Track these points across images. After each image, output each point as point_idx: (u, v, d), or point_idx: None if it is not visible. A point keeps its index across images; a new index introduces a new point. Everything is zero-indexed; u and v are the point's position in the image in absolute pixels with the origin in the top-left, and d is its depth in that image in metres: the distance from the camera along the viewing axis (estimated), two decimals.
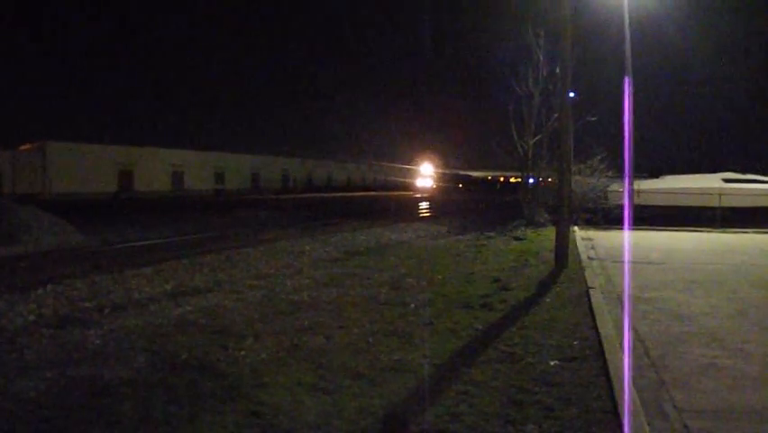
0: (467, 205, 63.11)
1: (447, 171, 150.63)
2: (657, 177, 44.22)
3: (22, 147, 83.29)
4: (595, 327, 10.61)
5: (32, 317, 11.91)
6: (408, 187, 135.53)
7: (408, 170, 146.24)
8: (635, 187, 35.30)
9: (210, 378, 8.15)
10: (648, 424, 6.57)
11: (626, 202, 31.84)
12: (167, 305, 13.02)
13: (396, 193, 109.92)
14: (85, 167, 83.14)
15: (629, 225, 29.24)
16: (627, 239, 25.54)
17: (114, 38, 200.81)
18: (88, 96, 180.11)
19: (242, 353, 9.37)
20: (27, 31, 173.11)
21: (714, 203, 35.11)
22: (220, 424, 6.72)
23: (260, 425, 6.71)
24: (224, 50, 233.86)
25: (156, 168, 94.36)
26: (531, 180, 38.23)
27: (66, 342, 10.15)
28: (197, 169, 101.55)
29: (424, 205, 64.86)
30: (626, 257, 20.20)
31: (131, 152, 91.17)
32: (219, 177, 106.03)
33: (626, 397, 7.12)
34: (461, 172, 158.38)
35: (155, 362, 8.90)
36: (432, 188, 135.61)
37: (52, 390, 7.78)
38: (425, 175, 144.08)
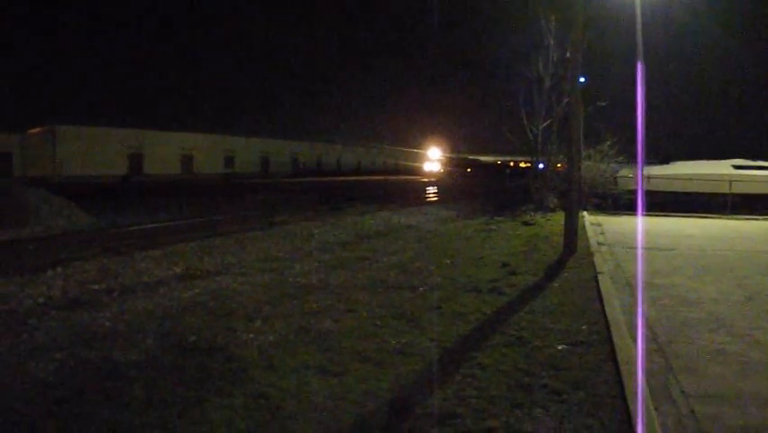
0: (476, 189, 62.95)
1: (455, 156, 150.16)
2: (667, 163, 44.01)
3: (32, 130, 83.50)
4: (603, 312, 10.61)
5: (41, 300, 11.96)
6: (416, 171, 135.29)
7: (416, 154, 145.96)
8: (646, 172, 35.19)
9: (218, 360, 8.17)
10: (655, 408, 6.58)
11: (639, 188, 31.73)
12: (176, 287, 13.07)
13: (403, 177, 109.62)
14: (94, 150, 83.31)
15: (640, 211, 29.23)
16: (637, 225, 25.51)
17: (124, 20, 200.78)
18: (98, 80, 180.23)
19: (251, 335, 9.39)
20: (37, 15, 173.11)
21: (724, 189, 34.97)
22: (228, 406, 6.74)
23: (268, 407, 6.73)
24: (234, 34, 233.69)
25: (166, 151, 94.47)
26: (541, 165, 38.16)
27: (75, 324, 10.20)
28: (207, 152, 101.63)
29: (432, 189, 64.71)
30: (636, 243, 20.18)
31: (141, 135, 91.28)
32: (229, 160, 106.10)
33: (634, 381, 7.12)
34: (470, 157, 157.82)
35: (164, 344, 8.94)
36: (439, 172, 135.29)
37: (62, 371, 7.82)
38: (433, 159, 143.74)
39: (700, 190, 36.54)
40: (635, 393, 6.80)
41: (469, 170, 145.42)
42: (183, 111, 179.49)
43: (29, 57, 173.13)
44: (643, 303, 11.47)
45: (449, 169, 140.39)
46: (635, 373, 7.36)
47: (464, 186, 73.16)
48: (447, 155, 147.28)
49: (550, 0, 33.32)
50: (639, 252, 18.06)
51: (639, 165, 29.78)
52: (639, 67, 29.97)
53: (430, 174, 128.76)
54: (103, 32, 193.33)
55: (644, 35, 29.96)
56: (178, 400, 6.87)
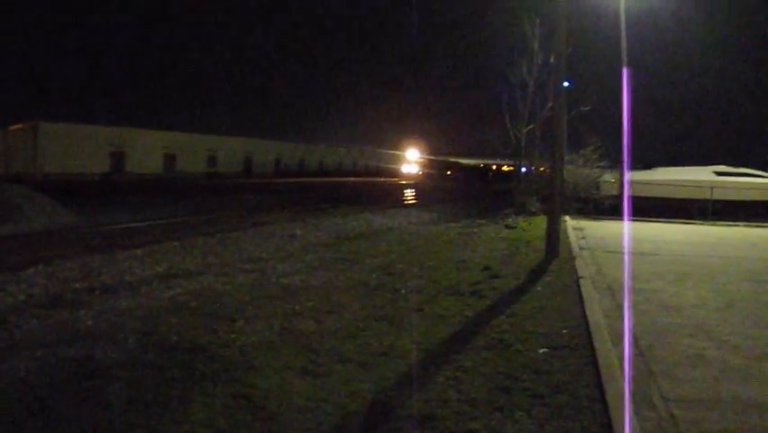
0: (458, 192, 63.11)
1: (436, 158, 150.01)
2: (650, 168, 44.26)
3: (15, 127, 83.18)
4: (584, 316, 10.65)
5: (22, 297, 11.95)
6: (394, 173, 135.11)
7: (397, 155, 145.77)
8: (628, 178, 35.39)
9: (201, 360, 8.17)
10: (636, 413, 6.61)
11: (625, 193, 31.87)
12: (158, 287, 13.06)
13: (383, 179, 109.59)
14: (77, 148, 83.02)
15: (621, 216, 29.36)
16: (619, 230, 25.62)
17: (108, 19, 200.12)
18: (82, 78, 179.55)
19: (233, 336, 9.40)
20: (21, 12, 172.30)
21: (706, 195, 35.17)
22: (210, 406, 6.74)
23: (250, 407, 6.74)
24: (218, 34, 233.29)
25: (148, 150, 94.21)
26: (524, 169, 38.30)
27: (57, 322, 10.19)
28: (190, 151, 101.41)
29: (414, 192, 64.78)
30: (617, 248, 20.27)
31: (123, 133, 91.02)
32: (211, 160, 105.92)
33: (614, 386, 7.16)
34: (451, 159, 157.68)
35: (146, 343, 8.93)
36: (417, 174, 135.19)
37: (43, 370, 7.81)
38: (411, 161, 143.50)
39: (682, 196, 36.73)
40: (616, 397, 6.84)
41: (449, 172, 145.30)
42: (166, 110, 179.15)
43: (11, 53, 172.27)
44: (624, 307, 11.53)
45: (427, 171, 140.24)
46: (615, 378, 7.41)
47: (446, 189, 73.28)
48: (426, 157, 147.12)
49: (534, 4, 33.45)
50: (621, 256, 18.12)
51: (624, 170, 29.96)
52: (625, 71, 30.13)
53: (408, 176, 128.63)
54: (87, 29, 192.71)
55: (628, 41, 30.10)
56: (160, 400, 6.86)
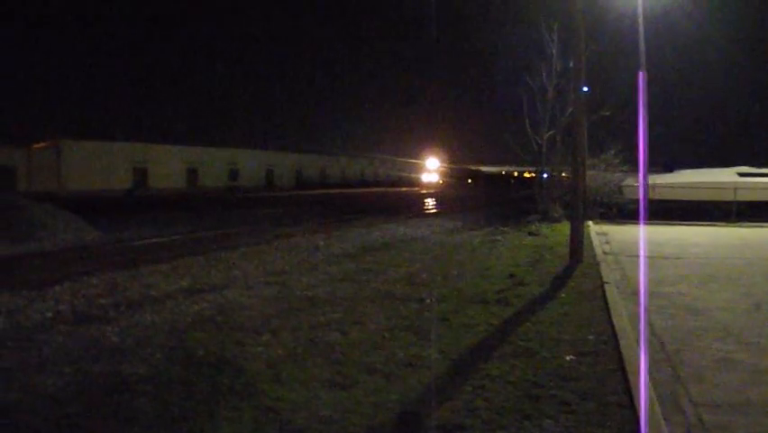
0: (480, 200, 62.94)
1: (455, 166, 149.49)
2: (672, 171, 43.99)
3: (37, 145, 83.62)
4: (610, 322, 10.61)
5: (49, 314, 11.98)
6: (414, 182, 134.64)
7: (415, 164, 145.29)
8: (650, 181, 35.20)
9: (227, 374, 8.19)
10: (664, 418, 6.58)
11: (641, 196, 31.70)
12: (183, 301, 13.08)
13: (404, 189, 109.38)
14: (99, 164, 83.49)
15: (644, 219, 29.21)
16: (642, 234, 25.51)
17: (127, 35, 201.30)
18: (103, 95, 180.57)
19: (259, 349, 9.41)
20: (41, 29, 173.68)
21: (729, 197, 34.93)
22: (237, 420, 6.75)
23: (277, 420, 6.74)
24: (237, 48, 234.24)
25: (170, 165, 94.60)
26: (545, 175, 38.17)
27: (83, 338, 10.21)
28: (211, 165, 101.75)
29: (436, 201, 64.69)
30: (641, 252, 20.18)
31: (145, 149, 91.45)
32: (233, 173, 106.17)
33: (643, 391, 7.13)
34: (472, 167, 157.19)
35: (172, 358, 8.95)
36: (438, 183, 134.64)
37: (70, 386, 7.83)
38: (432, 170, 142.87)
39: (705, 198, 36.50)
40: (644, 403, 6.80)
41: (470, 180, 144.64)
42: (187, 125, 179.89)
43: (33, 71, 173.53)
44: (649, 312, 11.48)
45: (448, 180, 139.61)
46: (643, 383, 7.37)
47: (468, 197, 73.07)
48: (447, 166, 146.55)
49: (551, 10, 33.40)
50: (645, 260, 18.04)
51: (642, 174, 29.80)
52: (641, 75, 30.04)
53: (428, 185, 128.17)
54: (107, 46, 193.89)
55: (647, 44, 29.99)
56: (187, 415, 6.88)
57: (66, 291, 14.11)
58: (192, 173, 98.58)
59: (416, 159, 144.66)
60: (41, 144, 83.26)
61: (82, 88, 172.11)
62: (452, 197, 74.68)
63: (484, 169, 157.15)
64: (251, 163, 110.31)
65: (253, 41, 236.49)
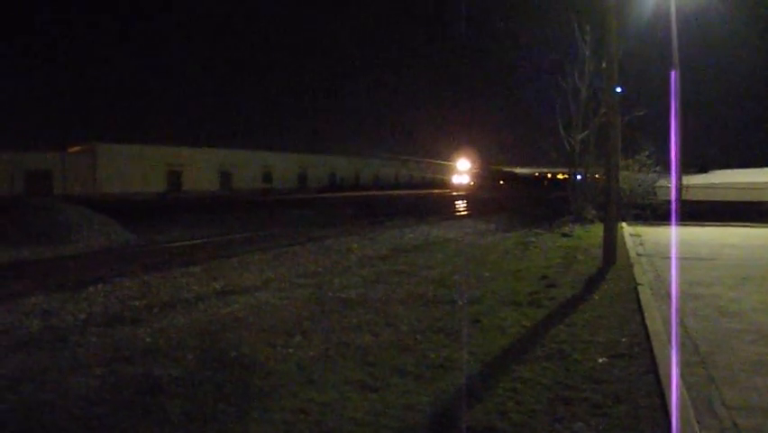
0: (513, 202, 62.78)
1: (487, 167, 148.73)
2: (706, 172, 43.68)
3: (73, 149, 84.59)
4: (644, 324, 10.53)
5: (82, 316, 12.12)
6: (445, 184, 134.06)
7: (447, 166, 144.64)
8: (684, 182, 34.99)
9: (258, 376, 8.21)
10: (697, 421, 6.53)
11: (673, 197, 31.53)
12: (215, 303, 13.16)
13: (437, 191, 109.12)
14: (134, 167, 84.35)
15: (677, 220, 29.00)
16: (676, 235, 25.32)
17: (162, 40, 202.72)
18: (137, 98, 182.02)
19: (291, 350, 9.44)
20: (77, 34, 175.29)
21: (765, 198, 34.61)
22: (268, 421, 6.77)
23: (308, 422, 6.76)
24: (269, 52, 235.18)
25: (204, 168, 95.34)
26: (579, 176, 38.01)
27: (116, 340, 10.31)
28: (245, 168, 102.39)
29: (469, 203, 64.57)
30: (675, 253, 20.02)
31: (179, 152, 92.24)
32: (267, 176, 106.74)
33: (675, 394, 7.08)
34: (504, 168, 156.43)
35: (204, 359, 9.00)
36: (469, 185, 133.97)
37: (103, 387, 7.90)
38: (462, 171, 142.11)
39: (740, 199, 36.16)
40: (677, 406, 6.76)
41: (501, 182, 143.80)
42: (221, 127, 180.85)
43: (69, 76, 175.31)
44: (683, 314, 11.39)
45: (479, 181, 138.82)
46: (675, 386, 7.31)
47: (500, 199, 72.84)
48: (478, 167, 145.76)
49: (583, 10, 33.25)
50: (678, 262, 17.90)
51: (674, 174, 29.63)
52: (674, 75, 29.89)
53: (459, 187, 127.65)
54: (141, 51, 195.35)
55: (680, 42, 29.80)
56: (219, 416, 6.92)
57: (99, 293, 14.26)
58: (225, 176, 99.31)
59: (446, 160, 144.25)
60: (77, 148, 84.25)
61: (117, 93, 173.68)
62: (485, 199, 74.51)
63: (517, 170, 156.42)
64: (285, 166, 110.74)
65: (289, 45, 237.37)
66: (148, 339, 10.30)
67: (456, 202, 66.14)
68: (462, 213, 47.94)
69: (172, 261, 19.74)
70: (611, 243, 17.80)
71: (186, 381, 8.05)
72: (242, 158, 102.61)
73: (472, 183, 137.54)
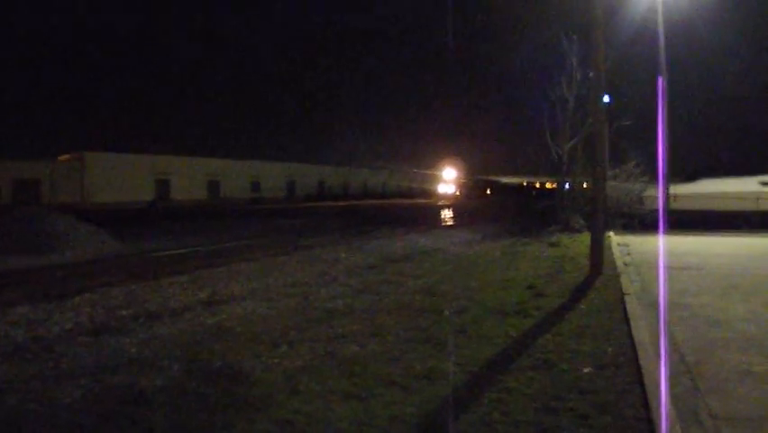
0: (500, 211, 62.82)
1: (473, 177, 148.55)
2: (694, 180, 43.79)
3: (61, 158, 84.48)
4: (630, 334, 10.54)
5: (68, 325, 12.06)
6: (429, 194, 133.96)
7: (431, 175, 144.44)
8: (671, 191, 35.07)
9: (244, 386, 8.19)
10: (683, 432, 6.52)
11: (660, 206, 31.58)
12: (202, 313, 13.12)
13: (423, 201, 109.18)
14: (122, 176, 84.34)
15: (665, 229, 29.04)
16: (664, 244, 25.36)
17: (150, 49, 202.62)
18: (125, 108, 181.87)
19: (276, 360, 9.41)
20: (65, 44, 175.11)
21: (752, 207, 34.72)
22: (253, 432, 6.75)
23: (294, 432, 6.74)
24: (257, 61, 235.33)
25: (192, 177, 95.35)
26: (567, 186, 38.08)
27: (101, 350, 10.28)
28: (233, 177, 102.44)
29: (457, 212, 64.60)
30: (663, 262, 20.05)
31: (167, 161, 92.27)
32: (255, 185, 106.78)
33: (661, 404, 7.07)
34: (491, 178, 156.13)
35: (190, 370, 8.96)
36: (455, 194, 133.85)
37: (87, 397, 7.87)
38: (448, 181, 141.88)
39: (728, 208, 36.26)
40: (663, 416, 6.75)
41: (488, 191, 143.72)
42: (209, 136, 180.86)
43: (58, 85, 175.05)
44: (670, 323, 11.41)
45: (466, 190, 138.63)
46: (662, 396, 7.31)
47: (487, 208, 72.94)
48: (464, 176, 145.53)
49: (571, 20, 33.35)
50: (666, 271, 17.91)
51: (660, 182, 29.68)
52: (660, 81, 29.95)
53: (444, 197, 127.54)
54: (129, 60, 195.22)
55: (667, 51, 29.86)
56: (204, 426, 6.89)
57: (86, 303, 14.20)
58: (214, 185, 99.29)
59: (432, 169, 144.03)
60: (65, 157, 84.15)
61: (105, 102, 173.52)
62: (472, 208, 74.55)
63: (504, 179, 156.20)
64: (273, 175, 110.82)
65: (274, 54, 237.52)
66: (134, 349, 10.26)
67: (444, 212, 66.11)
68: (450, 223, 47.92)
69: (159, 270, 19.68)
70: (598, 252, 17.82)
71: (171, 391, 8.02)
72: (230, 167, 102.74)
73: (458, 193, 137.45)
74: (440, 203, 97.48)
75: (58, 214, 30.49)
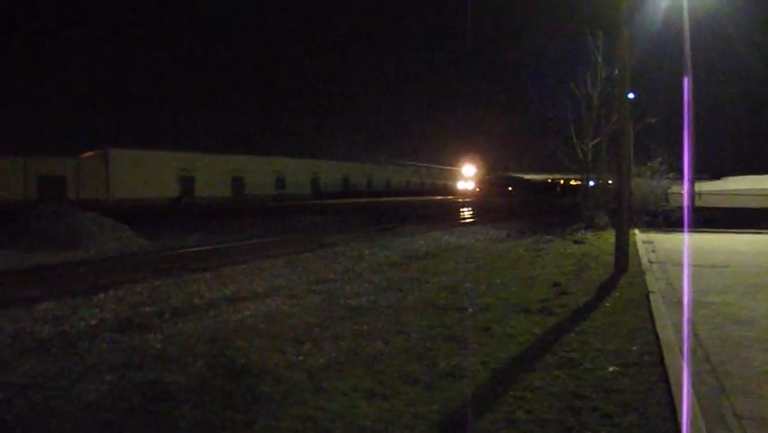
0: (525, 209, 62.70)
1: (495, 173, 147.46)
2: (719, 178, 43.59)
3: (86, 154, 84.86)
4: (655, 333, 10.47)
5: (93, 322, 12.14)
6: (449, 190, 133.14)
7: (453, 172, 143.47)
8: (696, 189, 34.89)
9: (268, 383, 8.20)
10: (708, 432, 6.48)
11: (685, 204, 31.43)
12: (226, 310, 13.17)
13: (447, 198, 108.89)
14: (147, 173, 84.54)
15: (690, 227, 28.87)
16: (688, 242, 25.22)
17: (175, 48, 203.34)
18: (151, 104, 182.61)
19: (300, 358, 9.43)
20: (92, 42, 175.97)
21: None
22: (277, 429, 6.76)
23: (317, 430, 6.74)
24: (280, 60, 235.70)
25: (217, 173, 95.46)
26: (591, 183, 37.94)
27: (126, 346, 10.33)
28: (258, 174, 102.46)
29: (479, 209, 64.43)
30: (687, 260, 19.93)
31: (192, 158, 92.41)
32: (279, 182, 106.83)
33: (686, 404, 7.03)
34: (512, 174, 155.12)
35: (214, 366, 8.99)
36: (474, 191, 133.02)
37: (112, 393, 7.91)
38: (468, 177, 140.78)
39: (753, 206, 36.03)
40: (688, 416, 6.71)
41: (510, 188, 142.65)
42: (234, 133, 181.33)
43: (83, 82, 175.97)
44: (694, 322, 11.34)
45: (486, 187, 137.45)
46: (687, 395, 7.27)
47: (511, 206, 72.73)
48: (485, 173, 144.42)
49: (595, 17, 33.21)
50: (691, 269, 17.80)
51: (686, 180, 29.53)
52: (686, 81, 29.79)
53: (464, 193, 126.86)
54: (155, 56, 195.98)
55: (693, 48, 29.70)
56: (227, 423, 6.91)
57: (110, 299, 14.28)
58: (238, 182, 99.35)
59: (454, 166, 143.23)
60: (90, 153, 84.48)
61: (130, 98, 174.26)
62: (495, 205, 74.31)
63: (527, 176, 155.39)
64: (297, 171, 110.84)
65: (302, 52, 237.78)
66: (158, 345, 10.31)
67: (467, 209, 65.97)
68: (474, 220, 47.80)
69: (184, 267, 19.76)
70: (623, 250, 17.73)
71: (195, 388, 8.05)
72: (254, 164, 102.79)
73: (478, 189, 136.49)
74: (462, 200, 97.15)
75: (82, 210, 30.65)
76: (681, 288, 15.13)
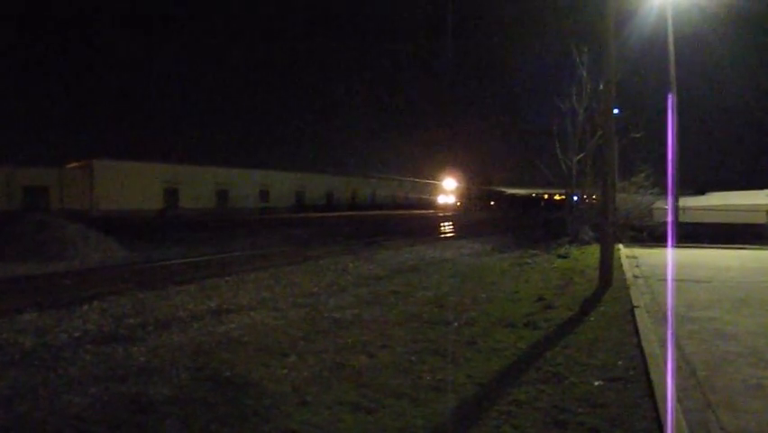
0: (509, 223, 62.79)
1: (477, 187, 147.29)
2: (703, 194, 43.75)
3: (70, 165, 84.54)
4: (640, 347, 10.48)
5: (77, 334, 12.06)
6: (430, 204, 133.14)
7: (433, 185, 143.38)
8: (681, 204, 34.99)
9: (252, 396, 8.18)
10: None
11: (669, 219, 31.52)
12: (210, 322, 13.12)
13: (430, 211, 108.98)
14: (131, 184, 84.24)
15: (674, 242, 28.95)
16: (673, 257, 25.27)
17: (159, 58, 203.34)
18: (135, 116, 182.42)
19: (285, 371, 9.40)
20: (75, 51, 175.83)
21: (761, 220, 34.62)
22: None
23: None
24: (265, 71, 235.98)
25: (201, 185, 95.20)
26: (576, 198, 38.04)
27: (110, 358, 10.28)
28: (242, 186, 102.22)
29: (464, 224, 64.51)
30: (672, 275, 19.97)
31: (176, 169, 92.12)
32: (264, 194, 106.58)
33: (672, 418, 7.02)
34: (494, 188, 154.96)
35: (198, 379, 8.96)
36: (455, 205, 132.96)
37: (96, 406, 7.87)
38: (448, 191, 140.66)
39: (737, 221, 36.18)
40: (673, 431, 6.70)
41: (492, 203, 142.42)
42: (218, 145, 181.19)
43: (67, 92, 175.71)
44: (679, 337, 11.35)
45: (467, 201, 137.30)
46: (673, 410, 7.26)
47: (495, 220, 72.87)
48: (467, 186, 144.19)
49: (582, 31, 33.37)
50: (675, 284, 17.84)
51: (671, 195, 29.64)
52: (670, 97, 29.95)
53: (444, 208, 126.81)
54: (140, 68, 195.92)
55: (677, 64, 29.83)
56: None
57: (94, 311, 14.19)
58: (222, 194, 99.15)
59: (436, 180, 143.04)
60: (74, 164, 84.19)
61: (115, 109, 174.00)
62: (479, 219, 74.44)
63: (510, 190, 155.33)
64: (282, 184, 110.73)
65: (282, 65, 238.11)
66: (142, 358, 10.26)
67: (451, 223, 66.02)
68: (458, 234, 47.83)
69: (168, 279, 19.66)
70: (608, 265, 17.76)
71: (179, 400, 8.01)
72: (238, 176, 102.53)
73: (459, 204, 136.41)
74: (443, 214, 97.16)
75: (67, 221, 30.52)
76: (666, 303, 15.14)
